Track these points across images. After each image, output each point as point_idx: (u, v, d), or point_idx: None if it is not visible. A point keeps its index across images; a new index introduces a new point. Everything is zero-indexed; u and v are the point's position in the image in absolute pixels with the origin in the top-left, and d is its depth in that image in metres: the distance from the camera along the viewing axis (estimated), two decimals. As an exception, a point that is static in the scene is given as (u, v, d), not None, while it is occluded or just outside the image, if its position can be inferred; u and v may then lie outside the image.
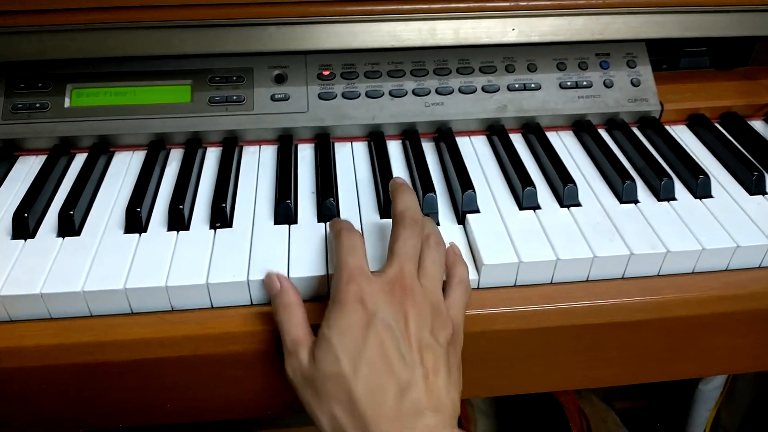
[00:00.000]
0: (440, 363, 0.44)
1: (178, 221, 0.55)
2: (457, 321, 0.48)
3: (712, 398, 1.09)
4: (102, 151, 0.64)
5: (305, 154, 0.66)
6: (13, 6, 0.62)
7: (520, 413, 1.10)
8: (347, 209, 0.58)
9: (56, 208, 0.57)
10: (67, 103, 0.66)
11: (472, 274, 0.52)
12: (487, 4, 0.66)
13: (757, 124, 0.73)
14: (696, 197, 0.61)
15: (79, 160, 0.65)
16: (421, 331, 0.44)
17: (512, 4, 0.67)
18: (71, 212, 0.55)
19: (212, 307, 0.51)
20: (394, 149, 0.68)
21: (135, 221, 0.55)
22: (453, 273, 0.50)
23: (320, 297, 0.52)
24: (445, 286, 0.50)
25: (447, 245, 0.52)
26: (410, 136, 0.67)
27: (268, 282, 0.49)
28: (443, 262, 0.50)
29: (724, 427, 1.11)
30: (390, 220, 0.56)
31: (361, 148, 0.68)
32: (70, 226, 0.55)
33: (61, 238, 0.54)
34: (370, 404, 0.41)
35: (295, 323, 0.47)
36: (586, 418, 1.04)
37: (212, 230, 0.55)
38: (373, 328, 0.43)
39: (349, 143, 0.68)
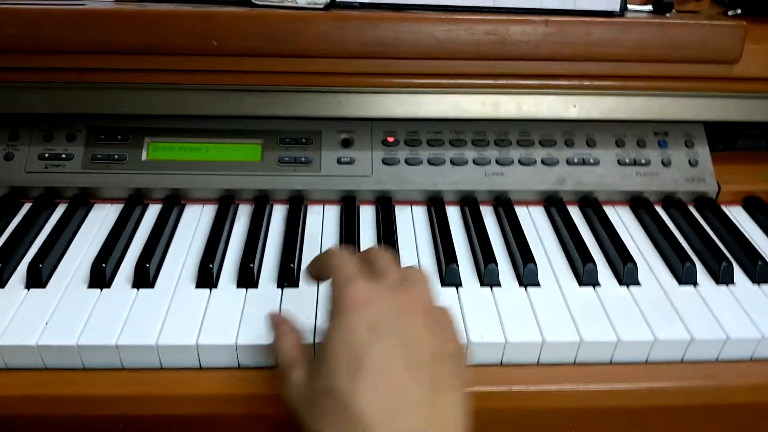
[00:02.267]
0: (447, 379, 0.40)
1: (248, 279, 0.57)
2: (462, 337, 0.46)
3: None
4: (174, 204, 0.67)
5: (367, 216, 0.68)
6: (97, 64, 0.65)
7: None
8: (409, 275, 0.60)
9: (131, 258, 0.60)
10: (143, 156, 0.69)
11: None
12: (551, 82, 0.68)
13: (814, 209, 0.73)
14: (754, 282, 0.61)
15: (153, 211, 0.67)
16: (432, 341, 0.40)
17: (575, 82, 0.69)
18: (147, 265, 0.57)
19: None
20: (453, 215, 0.69)
21: (206, 277, 0.57)
22: None
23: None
24: None
25: None
26: (469, 204, 0.69)
27: (268, 322, 0.51)
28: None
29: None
30: (451, 289, 0.58)
31: (420, 213, 0.69)
32: (145, 279, 0.57)
33: (135, 290, 0.57)
34: (370, 420, 0.37)
35: (288, 347, 0.46)
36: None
37: (279, 289, 0.57)
38: (377, 335, 0.39)
39: (409, 207, 0.70)
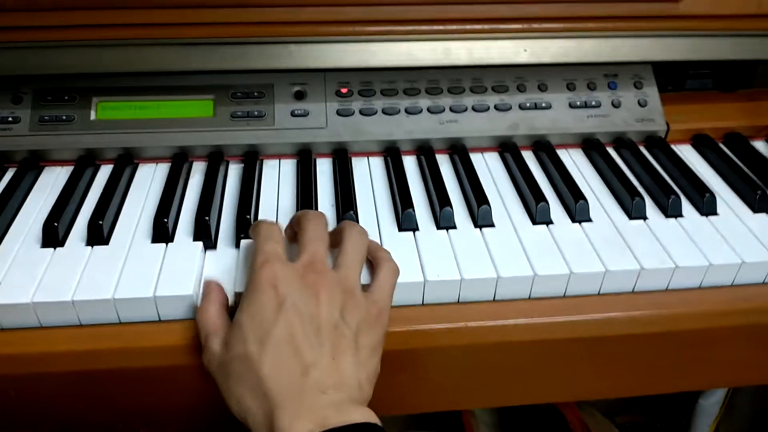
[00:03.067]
0: (346, 343, 0.45)
1: (205, 232, 0.57)
2: (383, 303, 0.49)
3: (712, 413, 1.10)
4: (127, 163, 0.66)
5: (324, 169, 0.68)
6: (40, 21, 0.64)
7: (523, 425, 1.12)
8: (366, 222, 0.60)
9: (84, 218, 0.59)
10: (92, 116, 0.67)
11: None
12: (500, 26, 0.69)
13: (760, 145, 0.75)
14: (702, 214, 0.63)
15: (105, 171, 0.66)
16: (331, 313, 0.46)
17: (524, 26, 0.69)
18: (100, 222, 0.57)
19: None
20: (410, 165, 0.69)
21: (162, 231, 0.57)
22: (378, 255, 0.52)
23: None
24: (372, 269, 0.52)
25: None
26: (425, 153, 0.69)
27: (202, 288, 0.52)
28: (364, 249, 0.52)
29: (724, 441, 1.13)
30: (408, 233, 0.59)
31: (377, 163, 0.70)
32: (99, 236, 0.56)
33: (90, 247, 0.56)
34: (275, 383, 0.43)
35: (211, 315, 0.49)
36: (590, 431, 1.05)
37: (237, 240, 0.57)
38: (283, 312, 0.44)
39: (366, 158, 0.70)
